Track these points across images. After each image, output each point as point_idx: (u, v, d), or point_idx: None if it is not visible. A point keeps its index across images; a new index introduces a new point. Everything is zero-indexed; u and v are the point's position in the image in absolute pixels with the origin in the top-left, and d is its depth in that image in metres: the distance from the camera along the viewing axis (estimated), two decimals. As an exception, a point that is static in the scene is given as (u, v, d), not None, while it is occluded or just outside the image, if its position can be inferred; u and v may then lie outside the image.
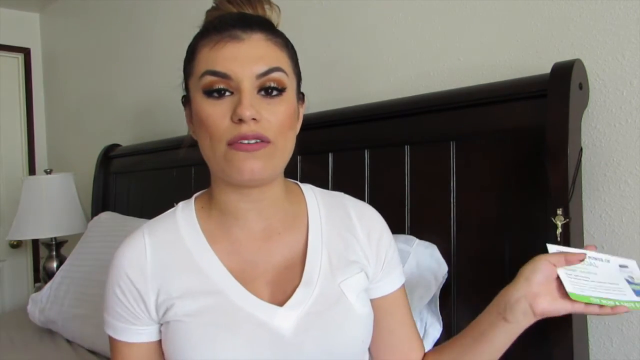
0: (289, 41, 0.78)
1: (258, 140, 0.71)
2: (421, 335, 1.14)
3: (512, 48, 1.16)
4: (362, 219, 0.86)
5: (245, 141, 0.70)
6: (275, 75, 0.72)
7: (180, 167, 1.96)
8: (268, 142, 0.71)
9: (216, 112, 0.71)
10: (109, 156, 2.41)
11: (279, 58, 0.74)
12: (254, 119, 0.70)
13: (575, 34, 1.06)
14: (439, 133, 1.20)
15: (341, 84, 1.53)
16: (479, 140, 1.13)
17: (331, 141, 1.42)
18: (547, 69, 1.01)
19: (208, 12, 0.81)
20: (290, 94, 0.75)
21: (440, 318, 1.15)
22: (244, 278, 0.77)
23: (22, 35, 3.15)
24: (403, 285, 0.88)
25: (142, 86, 2.42)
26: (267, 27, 0.75)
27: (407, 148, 1.25)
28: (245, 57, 0.71)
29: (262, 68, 0.71)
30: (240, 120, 0.69)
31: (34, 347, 1.76)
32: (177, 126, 2.10)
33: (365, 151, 1.34)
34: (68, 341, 1.77)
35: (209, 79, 0.71)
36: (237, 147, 0.70)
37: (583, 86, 1.01)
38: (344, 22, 1.52)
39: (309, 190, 0.88)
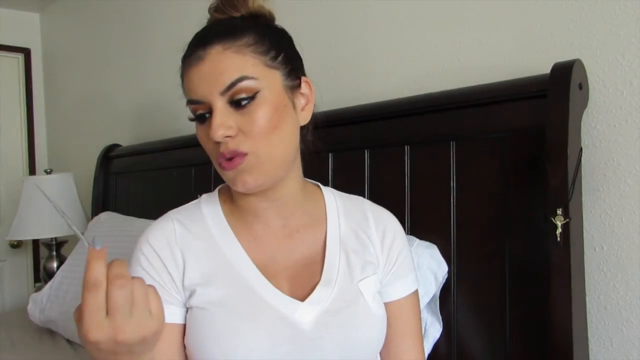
0: (260, 33, 0.74)
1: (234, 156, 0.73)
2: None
3: (512, 48, 1.16)
4: (379, 223, 0.87)
5: (224, 158, 0.73)
6: (240, 85, 0.71)
7: (180, 167, 1.96)
8: (244, 154, 0.72)
9: (203, 135, 0.75)
10: (109, 156, 2.41)
11: (240, 65, 0.72)
12: (229, 136, 0.71)
13: (575, 34, 1.06)
14: (439, 133, 1.20)
15: (341, 84, 1.53)
16: (479, 140, 1.13)
17: (331, 141, 1.42)
18: (547, 69, 1.01)
19: (209, 9, 0.81)
20: (267, 93, 0.73)
21: (440, 318, 1.15)
22: (267, 272, 0.78)
23: (22, 35, 3.15)
24: (415, 293, 0.88)
25: (142, 86, 2.42)
26: (225, 34, 0.73)
27: (407, 148, 1.25)
28: (206, 77, 0.72)
29: (223, 84, 0.71)
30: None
31: (34, 347, 1.76)
32: (177, 126, 2.10)
33: (365, 151, 1.34)
34: (68, 341, 1.77)
35: (191, 107, 0.75)
36: (223, 166, 0.73)
37: (583, 86, 1.01)
38: (344, 22, 1.52)
39: (329, 193, 0.89)
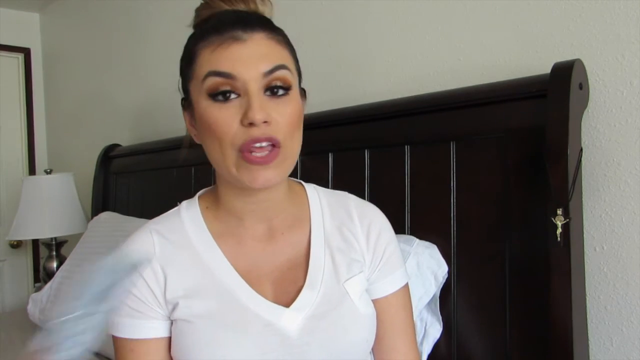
0: (288, 38, 0.77)
1: (269, 144, 0.69)
2: (421, 336, 1.14)
3: (512, 48, 1.16)
4: (363, 219, 0.85)
5: (257, 144, 0.68)
6: (281, 73, 0.70)
7: (180, 167, 1.96)
8: (279, 146, 0.70)
9: (223, 116, 0.69)
10: (109, 156, 2.41)
11: (283, 55, 0.73)
12: (265, 121, 0.68)
13: (575, 34, 1.06)
14: (439, 133, 1.20)
15: (341, 84, 1.53)
16: (479, 140, 1.13)
17: (331, 141, 1.42)
18: (547, 69, 1.01)
19: (198, 9, 0.79)
20: (295, 91, 0.74)
21: (440, 318, 1.15)
22: (250, 279, 0.77)
23: (22, 35, 3.15)
24: (405, 288, 0.87)
25: (142, 86, 2.42)
26: (267, 25, 0.74)
27: (407, 148, 1.25)
28: (249, 57, 0.69)
29: (268, 66, 0.69)
30: (251, 124, 0.67)
31: (34, 347, 1.75)
32: (177, 126, 2.09)
33: (365, 151, 1.34)
34: (68, 341, 1.77)
35: (213, 80, 0.69)
36: (250, 159, 0.69)
37: (583, 86, 1.01)
38: (344, 22, 1.52)
39: (313, 190, 0.87)
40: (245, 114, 0.68)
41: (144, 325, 0.76)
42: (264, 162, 0.69)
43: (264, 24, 0.73)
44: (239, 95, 0.69)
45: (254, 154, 0.69)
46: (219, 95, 0.69)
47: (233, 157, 0.70)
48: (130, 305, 0.76)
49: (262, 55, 0.70)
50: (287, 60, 0.73)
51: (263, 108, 0.68)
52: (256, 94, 0.68)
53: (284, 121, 0.70)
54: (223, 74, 0.69)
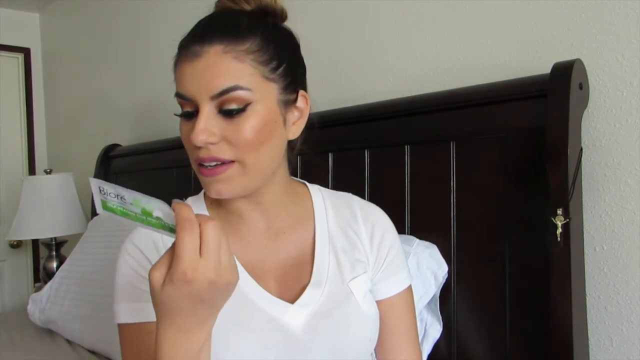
0: (265, 38, 0.71)
1: (218, 163, 0.69)
2: (421, 336, 1.14)
3: (512, 48, 1.16)
4: (367, 220, 0.86)
5: (205, 164, 0.70)
6: (232, 95, 0.67)
7: (180, 167, 1.96)
8: (231, 162, 0.69)
9: (185, 132, 0.72)
10: (109, 156, 2.41)
11: (238, 72, 0.68)
12: (211, 142, 0.68)
13: (575, 34, 1.06)
14: (439, 133, 1.20)
15: (341, 84, 1.53)
16: (479, 140, 1.13)
17: (331, 141, 1.42)
18: (547, 69, 1.01)
19: (215, 4, 0.79)
20: (259, 106, 0.70)
21: (440, 318, 1.15)
22: (255, 274, 0.77)
23: (22, 35, 3.15)
24: (408, 289, 0.87)
25: (142, 86, 2.42)
26: (230, 34, 0.69)
27: (407, 148, 1.25)
28: (200, 77, 0.68)
29: (215, 90, 0.67)
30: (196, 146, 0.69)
31: (34, 347, 1.76)
32: (177, 126, 2.09)
33: (365, 151, 1.34)
34: (68, 341, 1.77)
35: (178, 100, 0.72)
36: (202, 172, 0.71)
37: (583, 86, 1.01)
38: (345, 22, 1.52)
39: (316, 191, 0.88)
40: (190, 136, 0.69)
41: (150, 308, 0.75)
42: (212, 174, 0.70)
43: (225, 34, 0.69)
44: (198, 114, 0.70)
45: (205, 165, 0.71)
46: (184, 114, 0.72)
47: (196, 168, 0.73)
48: (137, 286, 0.75)
49: (212, 76, 0.67)
50: (244, 76, 0.68)
51: (207, 128, 0.68)
52: (204, 115, 0.68)
53: (239, 139, 0.69)
54: (182, 96, 0.71)
